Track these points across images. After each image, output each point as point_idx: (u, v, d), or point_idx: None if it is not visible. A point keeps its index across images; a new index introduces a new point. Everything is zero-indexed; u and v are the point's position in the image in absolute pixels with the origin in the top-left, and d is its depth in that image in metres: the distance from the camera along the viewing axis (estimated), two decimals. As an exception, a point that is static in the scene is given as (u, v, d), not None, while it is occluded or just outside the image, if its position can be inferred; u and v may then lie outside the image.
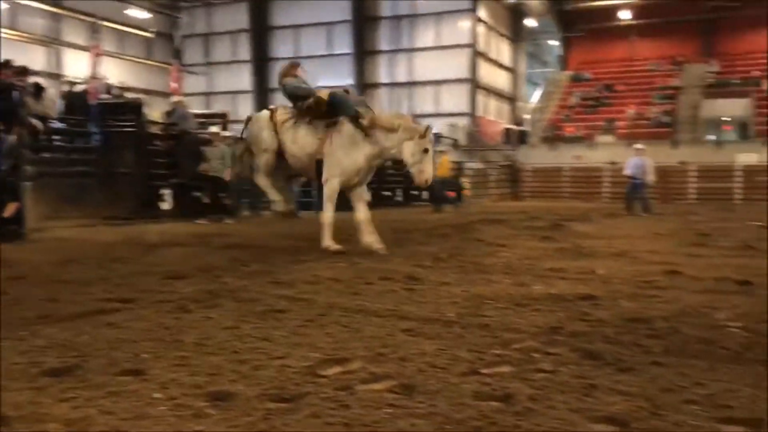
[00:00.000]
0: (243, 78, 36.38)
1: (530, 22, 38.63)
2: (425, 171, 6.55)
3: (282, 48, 36.13)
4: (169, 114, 13.98)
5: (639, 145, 16.76)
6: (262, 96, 35.84)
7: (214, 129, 14.31)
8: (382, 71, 35.16)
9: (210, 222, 11.04)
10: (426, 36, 34.26)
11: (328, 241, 6.86)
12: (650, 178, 15.38)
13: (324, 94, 7.07)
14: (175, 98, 16.99)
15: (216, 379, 2.58)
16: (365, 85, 34.81)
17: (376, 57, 35.08)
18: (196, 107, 24.13)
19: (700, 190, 24.23)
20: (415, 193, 22.84)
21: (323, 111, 7.05)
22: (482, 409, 2.24)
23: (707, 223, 12.21)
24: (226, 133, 13.25)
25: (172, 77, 28.54)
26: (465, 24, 33.23)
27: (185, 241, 7.84)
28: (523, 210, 17.26)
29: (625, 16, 34.75)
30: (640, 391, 2.41)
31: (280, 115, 7.36)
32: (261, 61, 36.33)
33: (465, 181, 28.99)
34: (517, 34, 38.35)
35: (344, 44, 34.75)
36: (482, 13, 33.75)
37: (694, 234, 9.33)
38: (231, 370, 2.71)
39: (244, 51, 36.66)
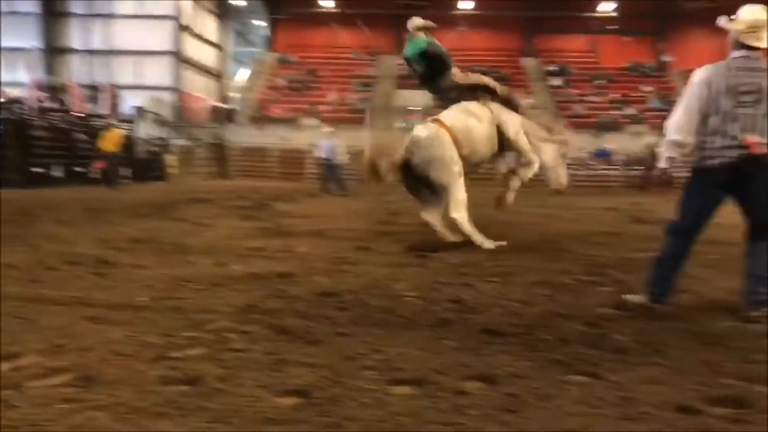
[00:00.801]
0: None
1: (237, 1, 38.33)
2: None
3: (-52, -1, 30.94)
4: None
5: (328, 129, 17.81)
6: None
7: None
8: (74, 36, 32.04)
9: None
10: (125, 2, 32.02)
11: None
12: (341, 159, 16.37)
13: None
14: None
15: None
16: (54, 49, 31.49)
17: (66, 19, 31.84)
18: None
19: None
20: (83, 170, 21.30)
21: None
22: (168, 394, 2.18)
23: (398, 202, 13.35)
24: None
25: None
26: (168, -6, 31.76)
27: None
28: (230, 189, 17.14)
29: (326, 3, 36.25)
30: (325, 362, 2.55)
31: (456, 120, 6.15)
32: None
33: (171, 159, 27.91)
34: (223, 12, 37.77)
35: (28, 2, 30.93)
36: (186, -17, 32.54)
37: (385, 212, 10.13)
38: None
39: None
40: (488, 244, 5.76)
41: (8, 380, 2.28)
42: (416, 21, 6.63)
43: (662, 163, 3.69)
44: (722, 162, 3.38)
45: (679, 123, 3.51)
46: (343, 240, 6.43)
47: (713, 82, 3.42)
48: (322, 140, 16.77)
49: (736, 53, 3.51)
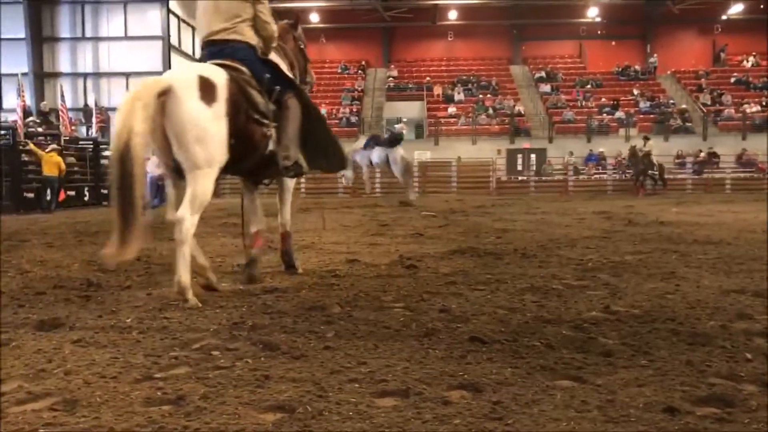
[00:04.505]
0: None
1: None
2: None
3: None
4: None
5: None
6: None
7: None
8: (62, 60, 32.10)
9: None
10: (113, 25, 32.13)
11: None
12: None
13: None
14: None
15: None
16: (43, 74, 31.51)
17: (55, 44, 31.90)
18: None
19: (383, 184, 26.42)
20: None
21: None
22: (151, 414, 2.17)
23: (389, 214, 13.37)
24: None
25: None
26: (155, 15, 31.89)
27: None
28: (221, 207, 17.11)
29: (314, 18, 36.43)
30: (309, 376, 2.54)
31: None
32: None
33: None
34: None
35: (17, 28, 30.97)
36: (173, 4, 32.68)
37: (376, 224, 10.14)
38: None
39: None
40: None
41: (-10, 407, 2.27)
42: None
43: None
44: None
45: None
46: (332, 253, 6.42)
47: None
48: None
49: None
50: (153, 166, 11.91)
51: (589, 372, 2.59)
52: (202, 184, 4.13)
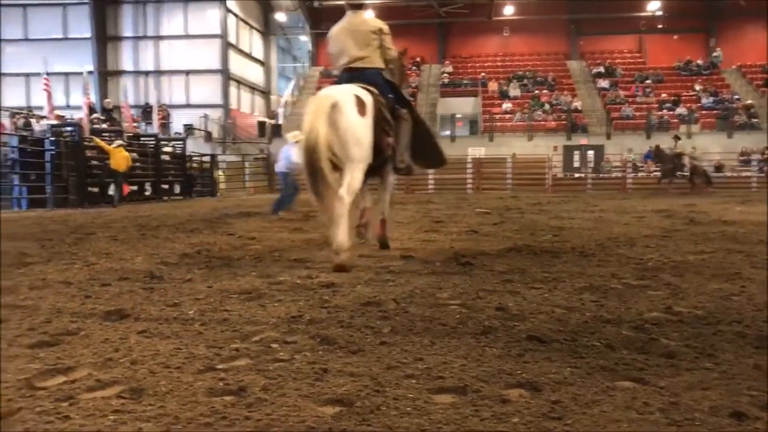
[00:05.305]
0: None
1: (280, 17, 38.94)
2: None
3: (8, 28, 32.36)
4: None
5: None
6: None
7: None
8: (125, 58, 33.07)
9: None
10: (173, 24, 32.93)
11: None
12: None
13: None
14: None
15: None
16: (107, 72, 32.52)
17: (118, 43, 32.89)
18: None
19: (437, 181, 26.36)
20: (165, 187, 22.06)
21: None
22: (214, 404, 2.22)
23: (442, 210, 13.34)
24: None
25: None
26: (214, 14, 32.54)
27: None
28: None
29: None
30: (367, 371, 2.56)
31: None
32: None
33: (220, 174, 28.46)
34: (267, 28, 38.45)
35: (83, 27, 32.07)
36: (231, 4, 33.28)
37: (429, 221, 10.13)
38: (-73, 393, 2.38)
39: (-40, 29, 32.23)
40: None
41: (63, 393, 2.36)
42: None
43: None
44: None
45: None
46: (386, 249, 6.43)
47: None
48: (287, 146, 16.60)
49: None
50: (287, 162, 12.55)
51: (651, 373, 2.54)
52: (356, 175, 5.32)
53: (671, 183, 23.57)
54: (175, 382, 2.46)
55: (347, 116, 5.22)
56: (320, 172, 4.99)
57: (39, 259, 5.95)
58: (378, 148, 5.58)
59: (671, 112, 32.45)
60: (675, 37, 37.79)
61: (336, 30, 6.13)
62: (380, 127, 5.59)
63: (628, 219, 10.57)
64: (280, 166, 12.85)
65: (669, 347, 2.87)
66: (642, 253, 6.02)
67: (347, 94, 5.37)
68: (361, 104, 5.35)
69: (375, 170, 5.86)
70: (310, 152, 5.00)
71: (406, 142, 6.03)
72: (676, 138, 23.93)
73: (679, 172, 23.17)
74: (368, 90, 5.56)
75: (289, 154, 12.49)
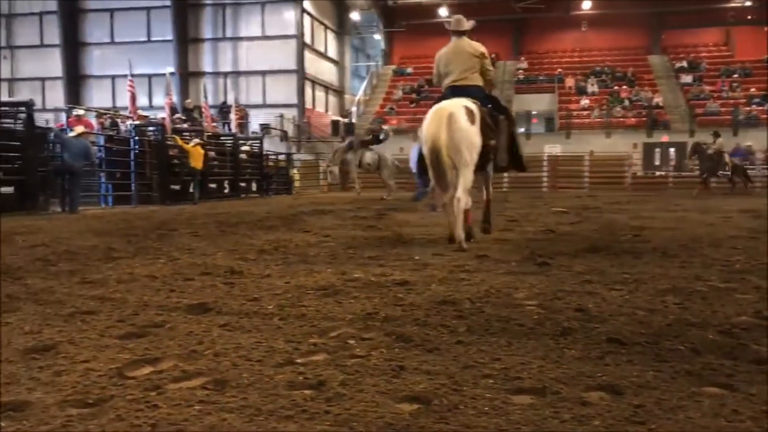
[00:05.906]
0: (51, 64, 33.66)
1: (354, 16, 39.28)
2: None
3: (96, 32, 33.91)
4: None
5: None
6: (72, 84, 33.44)
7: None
8: (205, 60, 34.07)
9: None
10: (251, 25, 33.71)
11: None
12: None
13: None
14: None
15: (10, 389, 2.40)
16: (188, 73, 33.56)
17: (198, 45, 33.93)
18: (-5, 94, 22.10)
19: (512, 180, 26.01)
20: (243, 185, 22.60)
21: None
22: (294, 398, 2.27)
23: (517, 209, 13.16)
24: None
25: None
26: (290, 14, 33.11)
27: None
28: (350, 201, 17.58)
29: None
30: (443, 370, 2.56)
31: None
32: (71, 46, 33.81)
33: (295, 173, 29.00)
34: (342, 27, 38.85)
35: (165, 30, 33.25)
36: (307, 4, 33.78)
37: (504, 220, 10.01)
38: (29, 377, 2.53)
39: (53, 35, 33.92)
40: None
41: (151, 383, 2.46)
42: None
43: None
44: None
45: None
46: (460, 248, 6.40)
47: None
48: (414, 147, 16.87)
49: None
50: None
51: (741, 380, 2.43)
52: (469, 175, 6.36)
53: (707, 180, 22.33)
54: (256, 375, 2.53)
55: (460, 124, 6.21)
56: (443, 170, 6.19)
57: (126, 254, 6.22)
58: (485, 150, 6.54)
59: (761, 108, 30.94)
60: (766, 28, 35.95)
61: (442, 53, 7.08)
62: (485, 134, 6.48)
63: (712, 219, 10.16)
64: (412, 165, 13.64)
65: (759, 353, 2.75)
66: (728, 255, 5.78)
67: (458, 106, 6.35)
68: (471, 114, 6.30)
69: (479, 169, 6.73)
70: (435, 154, 6.16)
71: (504, 144, 7.05)
72: (716, 135, 22.63)
73: (721, 171, 22.05)
74: (474, 102, 6.50)
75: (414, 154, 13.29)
